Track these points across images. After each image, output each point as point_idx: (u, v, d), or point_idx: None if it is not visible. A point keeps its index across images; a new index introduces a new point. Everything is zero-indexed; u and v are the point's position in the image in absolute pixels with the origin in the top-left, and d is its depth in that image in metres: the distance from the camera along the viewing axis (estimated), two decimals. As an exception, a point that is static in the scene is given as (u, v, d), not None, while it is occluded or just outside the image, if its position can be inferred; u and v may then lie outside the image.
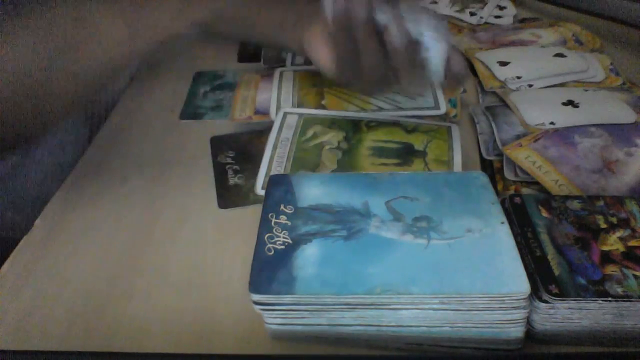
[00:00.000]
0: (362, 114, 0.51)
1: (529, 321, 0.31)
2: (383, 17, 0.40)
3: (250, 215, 0.42)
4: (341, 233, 0.34)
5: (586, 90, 0.55)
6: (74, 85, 0.41)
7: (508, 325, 0.31)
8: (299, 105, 0.53)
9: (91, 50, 0.40)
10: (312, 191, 0.38)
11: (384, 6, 0.41)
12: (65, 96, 0.41)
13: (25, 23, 0.38)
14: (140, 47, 0.41)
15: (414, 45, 0.40)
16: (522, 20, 0.75)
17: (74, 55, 0.39)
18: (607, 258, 0.33)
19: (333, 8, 0.41)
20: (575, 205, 0.37)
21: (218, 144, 0.51)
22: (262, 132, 0.51)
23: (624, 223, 0.35)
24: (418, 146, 0.47)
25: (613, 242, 0.34)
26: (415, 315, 0.31)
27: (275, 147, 0.47)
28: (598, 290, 0.31)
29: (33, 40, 0.38)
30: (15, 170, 0.55)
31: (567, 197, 0.38)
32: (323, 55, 0.44)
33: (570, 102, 0.52)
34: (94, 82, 0.43)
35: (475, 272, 0.31)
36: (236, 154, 0.49)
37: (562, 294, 0.30)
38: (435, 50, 0.41)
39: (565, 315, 0.31)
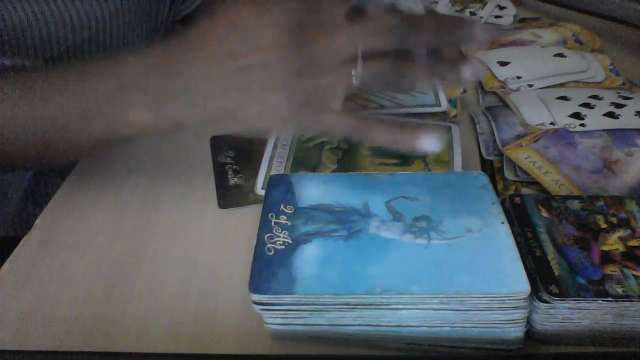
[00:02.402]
0: (362, 114, 0.51)
1: (529, 321, 0.31)
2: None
3: (250, 215, 0.42)
4: (341, 233, 0.34)
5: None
6: (71, 148, 0.41)
7: (508, 325, 0.31)
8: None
9: (106, 126, 0.38)
10: (312, 191, 0.38)
11: None
12: (72, 155, 0.44)
13: (58, 79, 0.39)
14: (156, 131, 0.39)
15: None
16: (522, 20, 0.75)
17: (85, 125, 0.38)
18: (607, 258, 0.33)
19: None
20: (575, 205, 0.37)
21: (218, 144, 0.51)
22: (262, 132, 0.51)
23: (624, 223, 0.35)
24: (418, 146, 0.47)
25: (613, 242, 0.34)
26: (415, 315, 0.31)
27: (275, 147, 0.47)
28: (598, 290, 0.31)
29: (57, 97, 0.38)
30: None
31: (567, 197, 0.38)
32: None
33: (570, 102, 0.52)
34: (101, 148, 0.44)
35: (475, 272, 0.31)
36: (236, 154, 0.49)
37: (562, 294, 0.30)
38: None
39: (565, 315, 0.31)
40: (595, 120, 0.49)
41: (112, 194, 0.46)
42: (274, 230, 0.35)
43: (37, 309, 0.36)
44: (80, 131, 0.39)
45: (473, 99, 0.57)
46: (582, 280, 0.31)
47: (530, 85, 0.57)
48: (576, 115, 0.50)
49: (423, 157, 0.46)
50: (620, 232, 0.35)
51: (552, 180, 0.43)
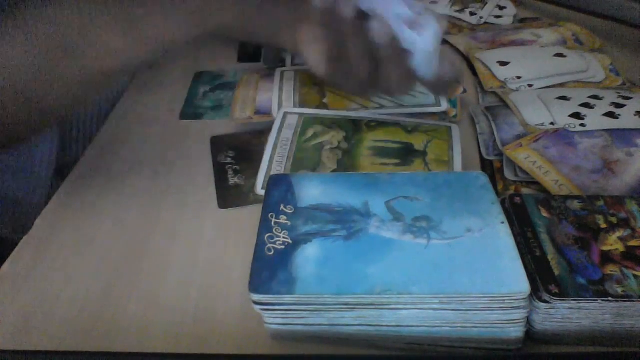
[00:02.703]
0: (362, 114, 0.51)
1: (529, 321, 0.31)
2: (369, 9, 0.40)
3: (250, 215, 0.42)
4: (341, 233, 0.34)
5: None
6: (66, 90, 0.40)
7: (508, 325, 0.31)
8: (301, 105, 0.53)
9: (87, 58, 0.39)
10: (312, 191, 0.38)
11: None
12: (56, 100, 0.41)
13: (21, 24, 0.38)
14: (138, 57, 0.40)
15: (397, 41, 0.40)
16: (522, 20, 0.75)
17: (69, 61, 0.38)
18: (607, 258, 0.33)
19: (320, 4, 0.41)
20: (575, 205, 0.37)
21: (218, 144, 0.51)
22: (262, 132, 0.51)
23: (624, 223, 0.35)
24: (418, 146, 0.47)
25: (613, 242, 0.34)
26: (415, 315, 0.31)
27: (275, 147, 0.47)
28: (598, 290, 0.31)
29: (28, 42, 0.37)
30: (14, 169, 0.55)
31: (567, 197, 0.38)
32: (314, 54, 0.43)
33: (570, 102, 0.52)
34: (87, 89, 0.42)
35: (475, 272, 0.31)
36: (236, 154, 0.49)
37: (562, 294, 0.30)
38: (420, 43, 0.40)
39: (565, 315, 0.31)
40: (595, 120, 0.49)
41: (112, 194, 0.46)
42: (274, 230, 0.35)
43: (37, 309, 0.36)
44: (67, 67, 0.39)
45: (473, 99, 0.57)
46: (582, 280, 0.31)
47: (530, 85, 0.57)
48: (576, 115, 0.50)
49: (423, 157, 0.46)
50: (620, 232, 0.35)
51: (552, 180, 0.43)
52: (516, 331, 0.31)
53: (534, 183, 0.44)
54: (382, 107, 0.52)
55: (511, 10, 0.76)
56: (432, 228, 0.34)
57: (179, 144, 0.52)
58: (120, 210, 0.44)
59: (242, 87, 0.58)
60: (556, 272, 0.32)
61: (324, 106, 0.53)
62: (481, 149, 0.49)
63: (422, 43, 0.40)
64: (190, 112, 0.57)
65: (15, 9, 0.37)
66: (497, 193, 0.43)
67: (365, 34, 0.40)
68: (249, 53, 0.68)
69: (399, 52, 0.40)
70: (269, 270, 0.32)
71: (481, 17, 0.75)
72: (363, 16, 0.40)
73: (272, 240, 0.34)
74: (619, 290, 0.31)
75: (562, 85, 0.57)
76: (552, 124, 0.50)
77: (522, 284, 0.30)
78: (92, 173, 0.48)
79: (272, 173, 0.44)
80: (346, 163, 0.45)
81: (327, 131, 0.49)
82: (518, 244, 0.33)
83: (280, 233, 0.35)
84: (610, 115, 0.49)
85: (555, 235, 0.35)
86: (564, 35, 0.67)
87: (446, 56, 0.42)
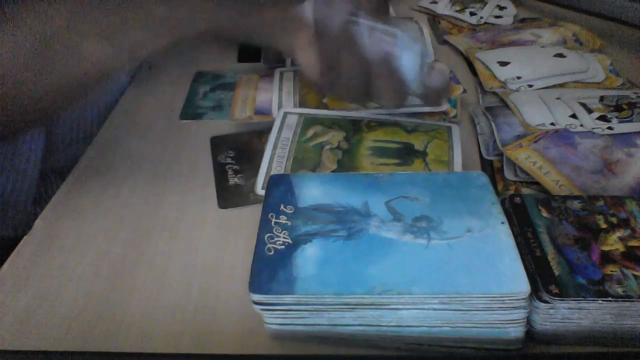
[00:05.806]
0: (362, 114, 0.51)
1: (529, 321, 0.31)
2: (361, 26, 0.42)
3: (250, 215, 0.42)
4: (341, 233, 0.34)
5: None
6: (48, 91, 0.40)
7: (508, 325, 0.31)
8: (301, 105, 0.53)
9: (70, 64, 0.39)
10: (312, 191, 0.38)
11: (363, 15, 0.42)
12: (41, 100, 0.41)
13: (12, 19, 0.38)
14: (117, 66, 0.41)
15: (388, 56, 0.42)
16: (522, 20, 0.75)
17: (51, 64, 0.39)
18: (607, 258, 0.33)
19: (312, 15, 0.43)
20: (575, 205, 0.37)
21: (218, 144, 0.51)
22: (262, 132, 0.51)
23: (624, 223, 0.35)
24: (418, 146, 0.47)
25: (613, 242, 0.34)
26: (415, 315, 0.31)
27: (275, 147, 0.47)
28: (598, 290, 0.31)
29: (17, 37, 0.38)
30: (12, 168, 0.55)
31: (567, 197, 0.38)
32: (308, 60, 0.44)
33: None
34: (69, 94, 0.43)
35: (475, 272, 0.31)
36: (236, 154, 0.49)
37: (562, 294, 0.30)
38: (409, 58, 0.42)
39: (565, 315, 0.31)
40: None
41: (112, 194, 0.46)
42: (274, 230, 0.35)
43: (37, 309, 0.36)
44: (49, 69, 0.39)
45: (473, 99, 0.57)
46: (582, 280, 0.31)
47: (530, 86, 0.57)
48: (576, 116, 0.50)
49: (423, 157, 0.46)
50: (620, 232, 0.35)
51: (553, 180, 0.43)
52: (516, 331, 0.31)
53: (534, 183, 0.44)
54: (382, 107, 0.52)
55: (511, 10, 0.76)
56: (432, 228, 0.34)
57: (179, 144, 0.52)
58: (120, 210, 0.44)
59: (242, 87, 0.58)
60: (556, 272, 0.32)
61: (324, 106, 0.53)
62: (481, 149, 0.49)
63: (406, 61, 0.42)
64: (190, 112, 0.57)
65: (8, 4, 0.37)
66: (497, 193, 0.43)
67: (356, 46, 0.41)
68: (249, 53, 0.68)
69: (390, 66, 0.42)
70: (269, 270, 0.32)
71: (481, 17, 0.75)
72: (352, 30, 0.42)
73: (272, 240, 0.34)
74: (619, 290, 0.31)
75: (562, 85, 0.57)
76: (552, 124, 0.50)
77: (522, 284, 0.30)
78: (92, 173, 0.48)
79: (272, 173, 0.44)
80: (346, 163, 0.45)
81: (327, 131, 0.49)
82: (518, 244, 0.33)
83: (280, 233, 0.35)
84: (610, 115, 0.49)
85: (555, 235, 0.35)
86: (564, 35, 0.67)
87: (435, 69, 0.44)
